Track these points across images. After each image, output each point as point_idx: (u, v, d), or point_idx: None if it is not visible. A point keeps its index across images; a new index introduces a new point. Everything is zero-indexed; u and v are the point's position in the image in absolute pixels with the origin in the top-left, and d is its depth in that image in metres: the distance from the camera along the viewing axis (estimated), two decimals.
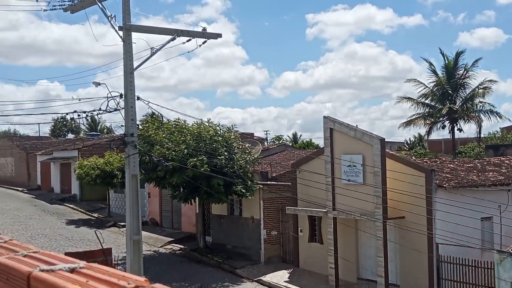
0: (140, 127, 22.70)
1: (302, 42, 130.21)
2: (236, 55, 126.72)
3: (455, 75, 45.52)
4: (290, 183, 25.54)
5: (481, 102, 45.68)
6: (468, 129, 65.66)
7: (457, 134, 46.53)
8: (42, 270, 1.63)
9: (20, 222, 35.28)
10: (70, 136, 72.74)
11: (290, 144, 55.70)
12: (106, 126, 72.82)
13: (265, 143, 53.97)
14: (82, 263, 1.70)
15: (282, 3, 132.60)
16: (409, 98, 46.96)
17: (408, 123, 47.19)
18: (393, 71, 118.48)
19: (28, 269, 1.65)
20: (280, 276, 24.04)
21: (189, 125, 26.95)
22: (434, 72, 46.41)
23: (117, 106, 16.89)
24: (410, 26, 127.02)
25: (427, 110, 46.70)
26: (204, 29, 18.47)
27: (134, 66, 16.84)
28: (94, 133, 64.32)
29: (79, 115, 18.25)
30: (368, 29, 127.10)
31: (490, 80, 45.79)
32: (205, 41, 18.20)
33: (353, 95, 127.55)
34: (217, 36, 18.70)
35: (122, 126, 16.99)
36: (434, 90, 46.32)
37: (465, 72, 45.40)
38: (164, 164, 21.57)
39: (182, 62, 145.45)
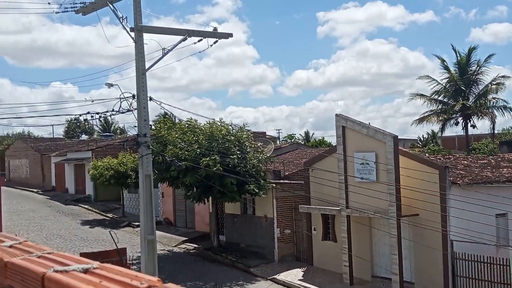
0: (152, 127, 22.78)
1: (313, 40, 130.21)
2: (247, 55, 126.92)
3: (468, 71, 45.17)
4: (303, 182, 25.53)
5: (494, 98, 45.31)
6: (481, 126, 65.38)
7: (471, 131, 46.20)
8: (56, 271, 1.65)
9: (36, 223, 35.60)
10: (84, 137, 73.23)
11: (303, 143, 55.53)
12: (119, 127, 73.29)
13: (277, 142, 53.93)
14: (96, 264, 1.72)
15: (293, 2, 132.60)
16: (421, 95, 46.66)
17: (421, 120, 46.90)
18: (405, 68, 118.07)
19: (42, 270, 1.68)
20: (294, 275, 24.05)
21: (201, 125, 27.03)
22: (447, 68, 46.08)
23: (129, 106, 16.98)
24: (421, 22, 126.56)
25: (440, 106, 46.37)
26: (215, 29, 18.49)
27: (146, 67, 16.92)
28: (107, 134, 64.64)
29: (92, 116, 18.42)
30: (380, 26, 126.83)
31: (503, 76, 45.38)
32: (216, 41, 18.23)
33: (365, 92, 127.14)
34: (228, 35, 18.70)
35: (135, 126, 17.08)
36: (447, 86, 45.99)
37: (478, 68, 45.03)
38: (177, 164, 21.64)
39: (193, 62, 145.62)
